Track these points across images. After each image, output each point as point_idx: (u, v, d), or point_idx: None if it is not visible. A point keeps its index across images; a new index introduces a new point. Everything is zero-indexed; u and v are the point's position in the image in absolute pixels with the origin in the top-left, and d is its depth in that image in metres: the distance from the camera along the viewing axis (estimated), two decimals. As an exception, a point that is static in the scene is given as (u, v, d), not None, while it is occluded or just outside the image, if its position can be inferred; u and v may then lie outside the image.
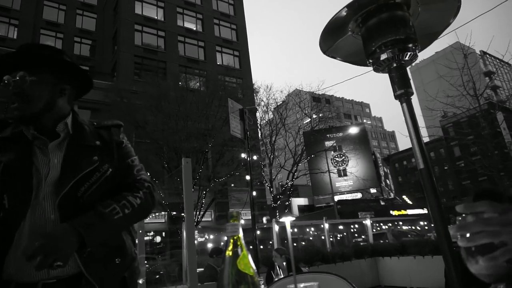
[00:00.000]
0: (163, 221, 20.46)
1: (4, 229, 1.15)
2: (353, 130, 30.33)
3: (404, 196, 36.72)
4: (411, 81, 1.32)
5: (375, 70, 1.36)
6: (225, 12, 29.94)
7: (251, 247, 8.46)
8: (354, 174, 27.80)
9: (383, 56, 1.28)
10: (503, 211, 0.60)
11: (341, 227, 21.16)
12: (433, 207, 1.27)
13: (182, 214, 15.57)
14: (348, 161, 29.48)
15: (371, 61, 1.33)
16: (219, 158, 18.76)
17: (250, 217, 7.78)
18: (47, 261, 1.00)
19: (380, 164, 34.87)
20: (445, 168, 51.94)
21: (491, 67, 65.14)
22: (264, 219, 21.88)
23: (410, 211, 27.89)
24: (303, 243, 20.14)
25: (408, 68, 1.37)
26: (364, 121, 72.20)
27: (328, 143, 27.38)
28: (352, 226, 21.18)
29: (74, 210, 1.18)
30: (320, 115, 26.44)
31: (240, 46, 29.30)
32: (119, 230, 1.29)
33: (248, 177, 7.06)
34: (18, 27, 24.76)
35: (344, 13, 1.31)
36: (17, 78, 1.23)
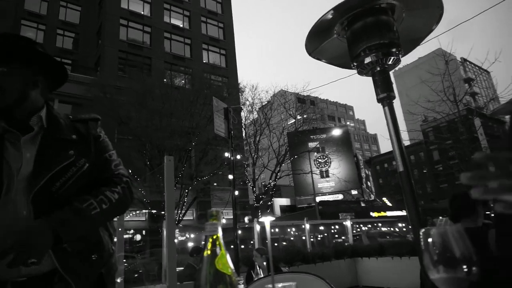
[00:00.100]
0: (144, 219, 20.21)
1: None
2: (337, 132, 30.68)
3: (384, 198, 37.36)
4: (394, 85, 1.35)
5: (359, 73, 1.38)
6: (212, 10, 29.79)
7: (232, 246, 8.45)
8: (336, 176, 28.12)
9: (367, 60, 1.30)
10: None
11: (322, 227, 21.36)
12: (411, 209, 1.30)
13: (163, 212, 15.41)
14: (330, 163, 29.80)
15: (355, 64, 1.35)
16: (202, 157, 18.65)
17: (232, 217, 7.77)
18: (20, 258, 0.97)
19: (362, 166, 35.39)
20: (424, 171, 53.17)
21: (471, 74, 67.04)
22: (246, 219, 21.89)
23: (389, 213, 28.42)
24: (284, 243, 20.23)
25: (391, 73, 1.40)
26: (348, 123, 73.12)
27: (311, 144, 27.60)
28: (332, 227, 21.42)
29: (48, 206, 1.14)
30: (305, 116, 26.64)
31: (227, 45, 29.21)
32: (96, 225, 1.26)
33: (231, 176, 7.05)
34: (-3, 17, 23.97)
35: (330, 16, 1.32)
36: None
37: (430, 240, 0.64)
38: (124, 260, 9.42)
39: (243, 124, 22.43)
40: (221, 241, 0.67)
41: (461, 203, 2.37)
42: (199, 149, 18.62)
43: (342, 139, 30.67)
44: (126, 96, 17.18)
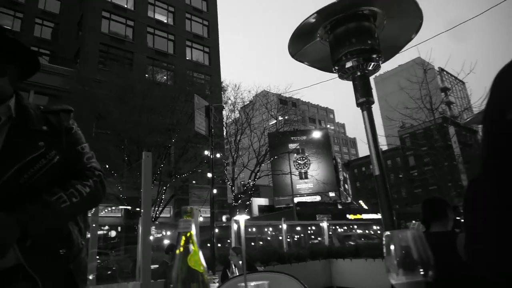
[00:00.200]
0: (120, 215, 19.84)
1: None
2: (317, 134, 31.04)
3: (360, 201, 38.06)
4: (374, 91, 1.38)
5: (340, 77, 1.40)
6: (197, 8, 29.56)
7: (208, 245, 8.41)
8: (315, 177, 28.44)
9: (348, 64, 1.33)
10: None
11: (298, 228, 21.57)
12: (385, 212, 1.33)
13: (138, 209, 15.18)
14: (310, 164, 30.12)
15: (336, 68, 1.38)
16: (182, 154, 18.48)
17: (209, 215, 7.74)
18: None
19: (340, 169, 35.94)
20: (400, 176, 54.49)
21: (447, 83, 69.22)
22: (224, 218, 21.84)
23: (365, 216, 28.98)
24: (261, 243, 20.31)
25: (372, 78, 1.43)
26: (328, 126, 74.08)
27: (291, 146, 27.81)
28: (309, 228, 21.66)
29: (16, 199, 1.10)
30: (286, 117, 26.82)
31: (210, 43, 29.05)
32: (66, 219, 1.22)
33: (210, 175, 7.02)
34: (-29, 2, 22.99)
35: (314, 19, 1.34)
36: None
37: (392, 243, 0.66)
38: (97, 257, 9.22)
39: (224, 123, 22.37)
40: (194, 238, 0.67)
41: (432, 208, 2.45)
42: (179, 146, 18.44)
43: (322, 142, 31.04)
44: (106, 90, 16.82)
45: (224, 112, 22.02)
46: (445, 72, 67.28)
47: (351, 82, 1.38)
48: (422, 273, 0.63)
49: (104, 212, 18.27)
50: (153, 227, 16.93)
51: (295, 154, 29.26)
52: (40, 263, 1.11)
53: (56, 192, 1.15)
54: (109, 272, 11.74)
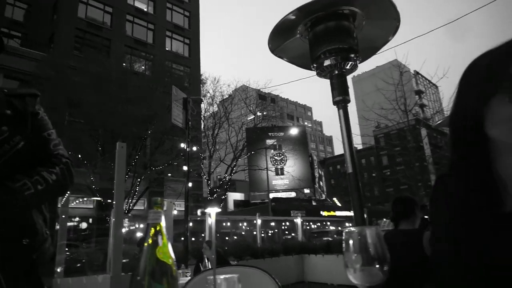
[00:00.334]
0: (91, 206, 19.38)
1: None
2: (294, 131, 31.32)
3: (334, 198, 38.77)
4: (352, 91, 1.40)
5: (318, 74, 1.41)
6: (179, -3, 29.05)
7: (182, 238, 8.35)
8: (291, 174, 28.73)
9: (327, 62, 1.34)
10: None
11: (273, 223, 21.74)
12: (356, 209, 1.36)
13: (109, 200, 14.86)
14: (286, 161, 30.37)
15: (315, 65, 1.39)
16: (158, 146, 18.20)
17: (184, 208, 7.68)
18: None
19: (316, 166, 36.45)
20: (373, 175, 55.88)
21: (421, 86, 71.32)
22: (199, 212, 21.72)
23: (338, 213, 29.57)
24: (235, 237, 20.35)
25: (350, 78, 1.46)
26: (305, 123, 74.81)
27: (269, 141, 27.93)
28: (283, 224, 21.88)
29: None
30: (264, 113, 26.88)
31: (191, 34, 28.63)
32: (30, 207, 1.17)
33: (185, 168, 6.96)
34: None
35: (294, 15, 1.34)
36: None
37: (350, 240, 0.68)
38: (67, 249, 8.98)
39: (202, 116, 22.18)
40: (164, 230, 0.66)
41: (401, 207, 2.54)
42: (155, 138, 18.15)
43: (299, 139, 31.35)
44: (80, 78, 16.29)
45: (202, 105, 21.82)
46: (419, 76, 69.29)
47: (328, 80, 1.39)
48: (378, 268, 0.65)
49: (75, 203, 17.79)
50: (126, 219, 16.63)
51: (272, 150, 29.42)
52: (1, 253, 1.06)
53: (20, 179, 1.10)
54: (78, 265, 11.46)
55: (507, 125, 0.63)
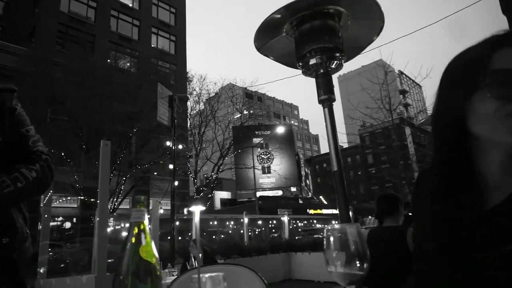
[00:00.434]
0: (75, 206, 19.03)
1: None
2: (281, 129, 31.40)
3: (321, 197, 39.04)
4: (338, 90, 1.42)
5: (304, 73, 1.42)
6: (165, -6, 28.72)
7: (169, 237, 8.29)
8: (277, 172, 28.82)
9: (312, 61, 1.35)
10: None
11: (260, 222, 21.79)
12: (341, 207, 1.37)
13: (93, 199, 14.64)
14: (273, 159, 30.45)
15: (301, 64, 1.39)
16: (144, 144, 17.99)
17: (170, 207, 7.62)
18: None
19: (302, 165, 36.63)
20: (359, 173, 56.57)
21: (405, 86, 72.47)
22: (185, 210, 21.59)
23: (325, 211, 29.80)
24: (222, 236, 20.32)
25: (336, 77, 1.47)
26: (292, 122, 75.13)
27: (255, 140, 27.94)
28: (270, 222, 21.95)
29: None
30: (251, 111, 26.86)
31: (177, 31, 28.35)
32: (9, 205, 1.14)
33: (171, 166, 6.90)
34: None
35: (280, 14, 1.35)
36: None
37: (331, 237, 0.68)
38: (50, 249, 8.80)
39: (188, 114, 22.02)
40: (147, 228, 0.65)
41: (385, 204, 2.58)
42: (141, 136, 17.94)
43: (285, 137, 31.46)
44: (63, 73, 15.95)
45: (188, 103, 21.67)
46: (404, 75, 70.36)
47: (314, 79, 1.40)
48: (358, 265, 0.66)
49: (58, 202, 17.45)
50: (111, 218, 16.42)
51: (259, 149, 29.44)
52: None
53: None
54: (62, 265, 11.25)
55: (489, 121, 0.64)
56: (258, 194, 27.58)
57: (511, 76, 0.62)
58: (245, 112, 26.14)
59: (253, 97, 33.52)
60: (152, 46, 26.21)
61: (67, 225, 19.43)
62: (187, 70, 25.28)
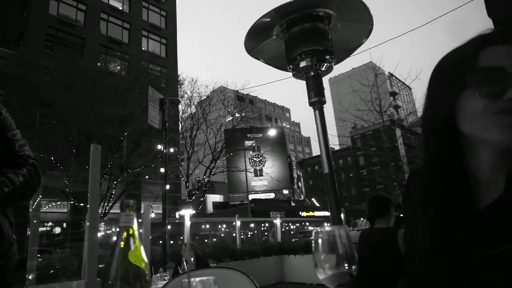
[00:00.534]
0: (65, 210, 18.77)
1: None
2: (273, 132, 31.46)
3: (313, 199, 39.17)
4: (329, 92, 1.43)
5: (294, 76, 1.42)
6: (155, -4, 28.62)
7: (160, 242, 8.23)
8: (270, 175, 28.83)
9: (302, 64, 1.35)
10: None
11: (252, 225, 21.77)
12: (333, 209, 1.38)
13: (83, 204, 14.46)
14: (265, 162, 30.46)
15: (291, 67, 1.40)
16: (134, 148, 17.84)
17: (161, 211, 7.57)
18: None
19: (294, 167, 36.74)
20: (351, 175, 56.89)
21: (396, 88, 73.26)
22: (177, 214, 21.45)
23: (317, 213, 29.92)
24: (215, 239, 20.23)
25: (327, 79, 1.48)
26: (284, 124, 75.34)
27: (247, 143, 27.95)
28: (263, 225, 21.94)
29: None
30: (243, 114, 26.87)
31: (168, 34, 28.27)
32: None
33: (162, 170, 6.86)
34: None
35: (270, 16, 1.35)
36: None
37: (319, 240, 0.68)
38: (39, 255, 8.65)
39: (180, 117, 21.94)
40: (136, 233, 0.64)
41: (376, 206, 2.60)
42: (131, 140, 17.79)
43: (277, 140, 31.52)
44: (53, 77, 15.77)
45: (180, 106, 21.60)
46: (394, 77, 71.13)
47: (304, 82, 1.41)
48: (347, 267, 0.66)
49: (47, 207, 17.19)
50: (102, 223, 16.23)
51: (251, 151, 29.44)
52: None
53: None
54: (51, 271, 11.08)
55: (477, 119, 0.64)
56: (251, 197, 27.55)
57: (498, 74, 0.63)
58: (236, 115, 26.14)
59: (245, 100, 33.58)
60: (143, 49, 26.08)
61: (57, 230, 19.15)
62: (178, 73, 25.20)
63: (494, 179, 0.67)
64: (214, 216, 25.35)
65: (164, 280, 4.31)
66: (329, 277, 0.66)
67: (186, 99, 22.31)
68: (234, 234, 14.19)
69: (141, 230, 6.16)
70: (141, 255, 0.61)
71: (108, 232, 17.29)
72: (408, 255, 0.76)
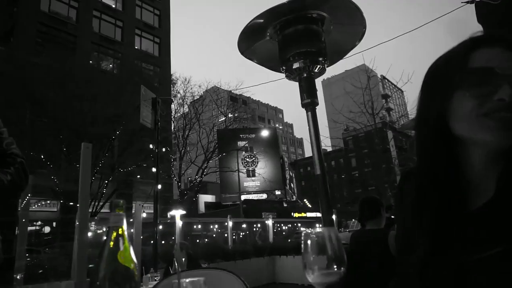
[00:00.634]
0: (55, 210, 18.55)
1: None
2: (266, 133, 31.49)
3: (305, 200, 39.25)
4: (322, 94, 1.43)
5: (287, 77, 1.43)
6: (149, -5, 28.46)
7: (152, 241, 8.17)
8: (262, 176, 28.83)
9: (295, 65, 1.35)
10: None
11: (244, 225, 21.73)
12: (324, 210, 1.38)
13: (71, 203, 14.30)
14: (257, 162, 30.46)
15: (284, 68, 1.40)
16: (126, 147, 17.70)
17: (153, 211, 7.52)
18: None
19: (287, 168, 36.78)
20: (343, 176, 57.16)
21: (388, 90, 73.84)
22: (169, 214, 21.35)
23: (309, 214, 29.99)
24: (207, 240, 20.16)
25: (320, 81, 1.48)
26: (277, 125, 75.42)
27: (240, 143, 27.92)
28: (255, 225, 21.92)
29: None
30: (236, 114, 26.86)
31: (161, 33, 28.11)
32: None
33: (154, 169, 6.82)
34: None
35: (264, 17, 1.35)
36: None
37: (309, 241, 0.69)
38: (27, 255, 8.52)
39: (172, 117, 21.85)
40: (125, 233, 0.64)
41: (367, 207, 2.62)
42: (123, 139, 17.65)
43: (270, 141, 31.54)
44: (44, 74, 15.57)
45: (172, 106, 21.52)
46: (386, 80, 71.68)
47: (297, 83, 1.41)
48: (336, 269, 0.66)
49: (36, 206, 16.97)
50: (92, 222, 16.07)
51: (244, 152, 29.42)
52: None
53: None
54: (40, 271, 10.94)
55: (468, 120, 0.65)
56: (243, 197, 27.51)
57: (487, 74, 0.64)
58: (229, 115, 26.12)
59: (238, 100, 33.55)
60: (136, 47, 25.90)
61: (46, 229, 18.92)
62: (172, 73, 25.10)
63: (486, 180, 0.67)
64: (206, 216, 25.26)
65: (155, 280, 4.28)
66: (318, 279, 0.66)
67: (179, 99, 22.26)
68: (226, 235, 14.15)
69: (132, 230, 6.12)
70: (130, 255, 0.61)
71: (98, 231, 17.13)
72: (400, 257, 0.76)
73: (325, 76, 1.48)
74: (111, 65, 23.30)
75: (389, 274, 0.82)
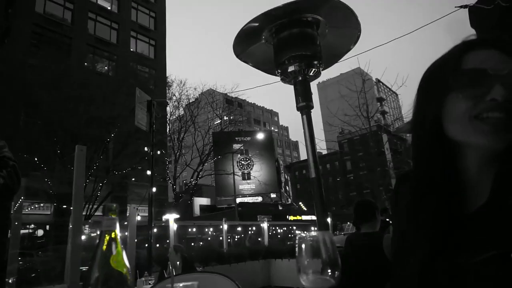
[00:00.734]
0: (49, 212, 18.39)
1: None
2: (261, 136, 31.48)
3: (300, 203, 39.24)
4: (317, 97, 1.43)
5: (282, 80, 1.43)
6: (145, -3, 28.45)
7: (146, 245, 8.13)
8: (257, 178, 28.81)
9: (291, 68, 1.36)
10: None
11: (239, 228, 21.67)
12: (319, 213, 1.38)
13: (65, 206, 14.19)
14: (253, 165, 30.44)
15: (279, 71, 1.40)
16: (121, 150, 17.62)
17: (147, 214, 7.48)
18: None
19: (282, 171, 36.79)
20: (338, 179, 57.30)
21: (383, 94, 74.28)
22: (164, 217, 21.25)
23: (304, 217, 29.96)
24: (202, 243, 20.06)
25: (315, 84, 1.49)
26: (272, 128, 75.49)
27: (236, 146, 27.90)
28: (250, 229, 21.87)
29: None
30: (231, 117, 26.85)
31: (157, 35, 28.10)
32: None
33: (149, 172, 6.79)
34: None
35: (259, 21, 1.35)
36: None
37: (303, 245, 0.68)
38: (20, 258, 8.43)
39: (168, 120, 21.80)
40: (118, 237, 0.63)
41: (362, 210, 2.62)
42: (118, 141, 17.57)
43: (265, 143, 31.55)
44: (38, 76, 15.48)
45: (168, 109, 21.48)
46: (381, 84, 72.13)
47: (292, 86, 1.41)
48: (330, 273, 0.66)
49: (30, 208, 16.82)
50: (87, 226, 15.95)
51: (239, 155, 29.39)
52: None
53: None
54: (33, 275, 10.82)
55: (462, 122, 0.65)
56: (238, 200, 27.47)
57: (480, 75, 0.64)
58: (225, 118, 26.11)
59: (234, 103, 33.53)
60: (131, 50, 25.85)
61: (40, 232, 18.75)
62: (167, 75, 25.06)
63: (481, 183, 0.67)
64: (201, 219, 25.17)
65: (149, 284, 4.25)
66: (312, 283, 0.66)
67: (174, 101, 22.22)
68: (221, 238, 14.11)
69: (126, 233, 6.07)
70: (123, 260, 0.60)
71: (92, 234, 17.00)
72: (396, 260, 0.76)
73: (320, 79, 1.50)
74: (106, 67, 23.22)
75: (384, 277, 0.82)
